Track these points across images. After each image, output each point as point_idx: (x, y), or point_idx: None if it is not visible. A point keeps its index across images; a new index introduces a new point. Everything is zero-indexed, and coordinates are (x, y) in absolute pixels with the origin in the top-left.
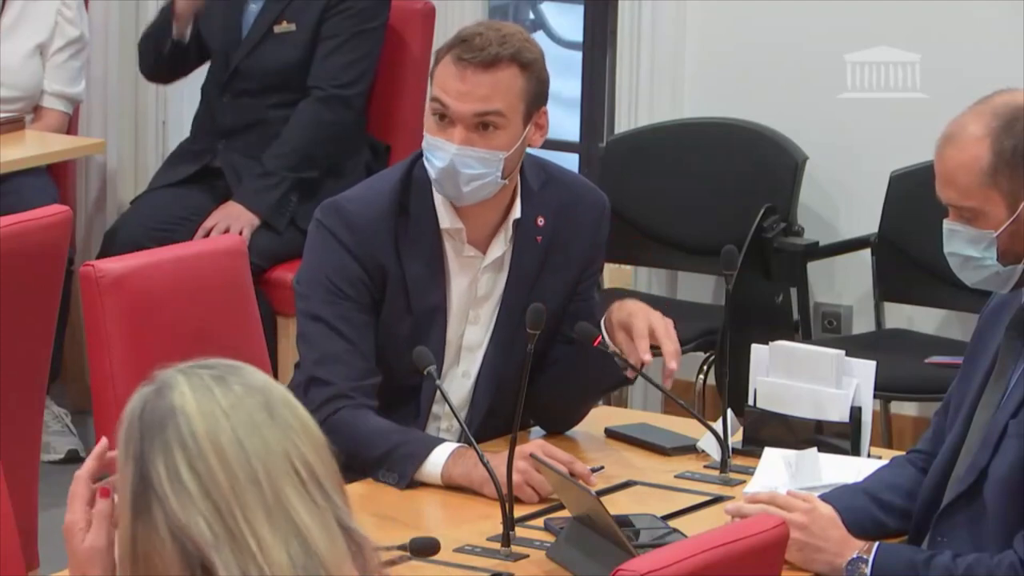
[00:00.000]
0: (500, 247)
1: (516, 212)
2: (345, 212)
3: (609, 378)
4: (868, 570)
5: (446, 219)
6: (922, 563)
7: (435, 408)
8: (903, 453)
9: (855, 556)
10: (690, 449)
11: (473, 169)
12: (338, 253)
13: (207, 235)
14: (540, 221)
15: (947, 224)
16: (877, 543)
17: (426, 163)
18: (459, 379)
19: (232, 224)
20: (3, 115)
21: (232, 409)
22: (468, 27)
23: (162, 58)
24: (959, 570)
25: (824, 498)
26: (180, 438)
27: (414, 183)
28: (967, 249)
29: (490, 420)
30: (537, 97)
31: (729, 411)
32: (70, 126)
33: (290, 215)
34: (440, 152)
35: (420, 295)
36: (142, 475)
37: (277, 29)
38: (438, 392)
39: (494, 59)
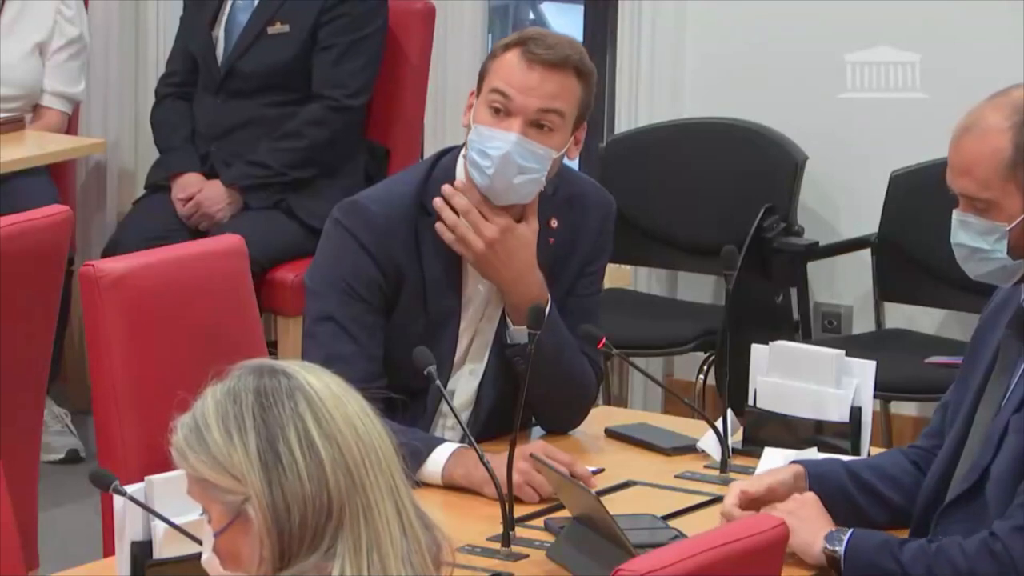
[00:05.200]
0: None
1: None
2: (367, 212)
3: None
4: (843, 548)
5: None
6: (896, 544)
7: (443, 406)
8: None
9: (832, 531)
10: (690, 449)
11: (527, 162)
12: (356, 253)
13: (184, 206)
14: (553, 223)
15: (957, 215)
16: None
17: (473, 156)
18: (466, 377)
19: (211, 207)
20: (3, 114)
21: (345, 393)
22: (527, 29)
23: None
24: (932, 549)
25: (802, 464)
26: (312, 408)
27: (436, 185)
28: (977, 241)
29: (495, 418)
30: (586, 110)
31: (729, 411)
32: (70, 126)
33: (272, 200)
34: (497, 142)
35: (437, 298)
36: (269, 443)
37: (271, 30)
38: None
39: (564, 60)
